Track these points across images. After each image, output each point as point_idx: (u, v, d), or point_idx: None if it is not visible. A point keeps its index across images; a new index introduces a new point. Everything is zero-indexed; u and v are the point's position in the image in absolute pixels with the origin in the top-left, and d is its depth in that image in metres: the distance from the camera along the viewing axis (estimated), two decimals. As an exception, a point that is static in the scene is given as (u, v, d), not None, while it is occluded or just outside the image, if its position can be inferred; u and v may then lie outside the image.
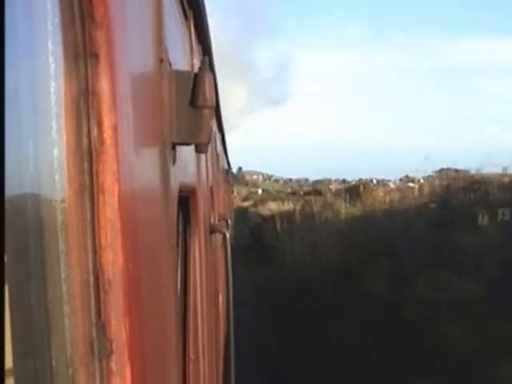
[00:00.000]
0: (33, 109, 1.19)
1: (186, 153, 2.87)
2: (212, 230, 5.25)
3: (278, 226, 38.21)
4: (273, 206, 60.40)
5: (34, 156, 1.18)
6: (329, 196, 48.72)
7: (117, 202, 1.28)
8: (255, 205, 77.32)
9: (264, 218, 51.43)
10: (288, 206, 53.82)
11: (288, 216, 40.98)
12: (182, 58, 3.22)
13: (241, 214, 61.93)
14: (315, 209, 38.42)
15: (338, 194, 45.10)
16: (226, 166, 16.87)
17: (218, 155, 9.46)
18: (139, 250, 1.52)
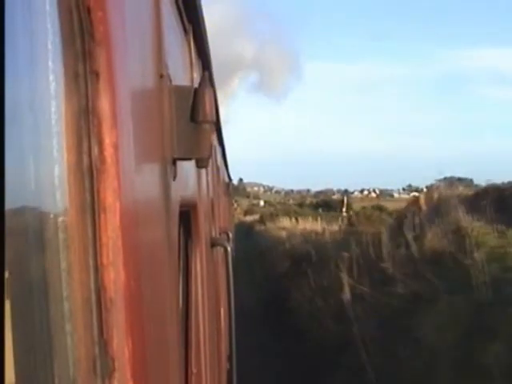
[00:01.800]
0: (33, 127, 1.19)
1: (187, 167, 2.88)
2: (213, 244, 5.26)
3: (348, 295, 15.63)
4: (287, 224, 46.90)
5: (36, 175, 1.18)
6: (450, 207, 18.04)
7: (118, 220, 1.28)
8: (262, 221, 63.03)
9: (292, 256, 24.96)
10: (314, 225, 39.40)
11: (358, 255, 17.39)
12: (182, 72, 3.23)
13: (243, 236, 47.91)
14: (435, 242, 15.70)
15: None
16: (226, 179, 16.89)
17: (218, 168, 9.47)
18: (141, 267, 1.52)
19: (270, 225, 54.36)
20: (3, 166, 1.07)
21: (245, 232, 55.86)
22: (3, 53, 1.07)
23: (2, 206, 1.07)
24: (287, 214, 60.97)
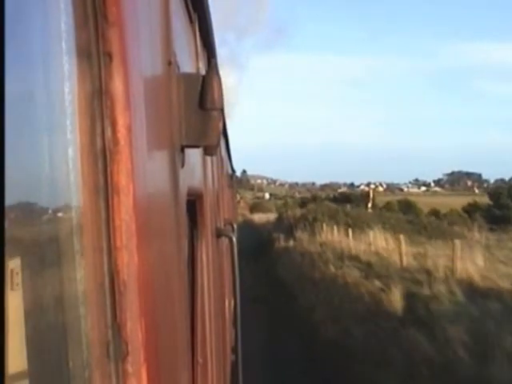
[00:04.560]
0: (47, 109, 1.18)
1: (193, 157, 2.87)
2: (218, 234, 5.25)
3: None
4: (361, 246, 24.73)
5: (50, 156, 1.17)
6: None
7: (131, 202, 1.27)
8: (283, 226, 36.95)
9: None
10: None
11: None
12: (188, 61, 3.22)
13: (252, 260, 26.51)
14: None
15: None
16: (230, 171, 16.88)
17: (222, 160, 9.46)
18: (153, 251, 1.51)
19: (304, 238, 30.20)
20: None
21: (254, 246, 32.10)
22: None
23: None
24: (332, 218, 36.06)
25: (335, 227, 31.74)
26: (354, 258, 23.26)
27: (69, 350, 1.23)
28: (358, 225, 33.19)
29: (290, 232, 33.68)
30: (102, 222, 1.25)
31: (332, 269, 21.66)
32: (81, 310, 1.24)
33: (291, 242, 31.11)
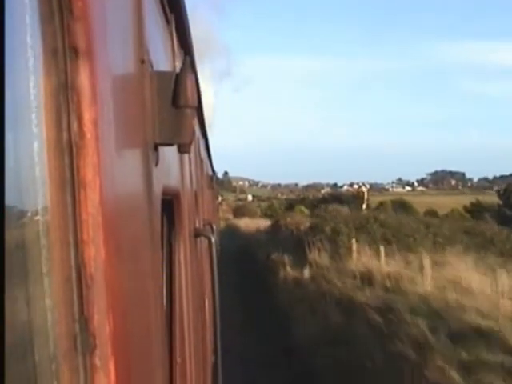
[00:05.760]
0: (12, 103, 1.18)
1: (169, 156, 2.88)
2: (197, 234, 5.26)
3: None
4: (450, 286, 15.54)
5: (15, 151, 1.17)
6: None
7: (98, 196, 1.28)
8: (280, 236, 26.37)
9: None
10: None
11: None
12: (164, 61, 3.22)
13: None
14: None
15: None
16: (210, 172, 16.87)
17: (202, 161, 9.46)
18: (122, 245, 1.52)
19: (324, 264, 19.34)
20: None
21: (242, 274, 22.56)
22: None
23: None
24: (361, 230, 24.62)
25: (382, 248, 19.87)
26: (494, 340, 11.14)
27: (35, 343, 1.23)
28: (401, 240, 22.99)
29: (298, 250, 22.65)
30: (68, 216, 1.25)
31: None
32: (48, 303, 1.24)
33: (306, 271, 19.43)
